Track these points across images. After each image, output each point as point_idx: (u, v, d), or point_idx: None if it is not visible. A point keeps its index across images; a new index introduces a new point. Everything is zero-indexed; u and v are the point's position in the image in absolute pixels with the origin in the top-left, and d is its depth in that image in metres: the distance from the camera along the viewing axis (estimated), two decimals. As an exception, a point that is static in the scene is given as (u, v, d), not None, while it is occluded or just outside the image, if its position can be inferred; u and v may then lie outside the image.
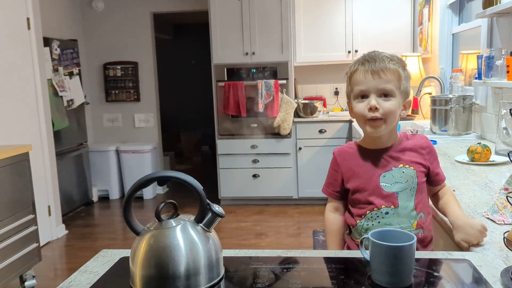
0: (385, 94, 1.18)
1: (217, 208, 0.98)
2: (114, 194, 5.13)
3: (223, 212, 0.98)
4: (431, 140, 1.35)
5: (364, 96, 1.20)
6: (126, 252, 1.13)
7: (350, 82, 1.24)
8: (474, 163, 2.03)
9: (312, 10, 4.54)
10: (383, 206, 1.21)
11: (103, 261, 1.09)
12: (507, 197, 1.05)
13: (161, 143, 5.48)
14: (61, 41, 4.49)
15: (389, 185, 1.21)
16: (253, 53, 4.40)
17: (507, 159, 2.06)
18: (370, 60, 1.19)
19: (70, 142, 4.64)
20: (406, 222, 1.21)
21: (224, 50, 4.44)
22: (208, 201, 0.97)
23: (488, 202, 1.48)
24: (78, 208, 4.78)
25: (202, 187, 0.97)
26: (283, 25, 4.35)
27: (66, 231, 4.08)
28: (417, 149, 1.25)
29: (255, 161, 4.52)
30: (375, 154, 1.25)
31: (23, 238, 2.86)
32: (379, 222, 1.22)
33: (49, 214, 3.84)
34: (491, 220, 1.32)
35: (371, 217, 1.23)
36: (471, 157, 2.05)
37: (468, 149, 2.08)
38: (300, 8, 4.54)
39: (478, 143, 2.09)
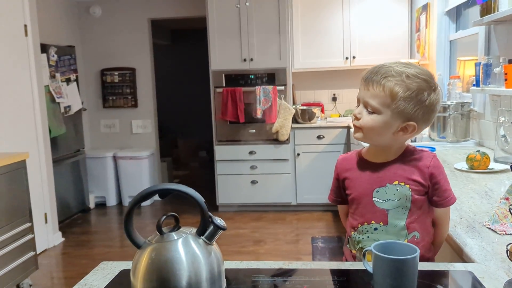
0: (370, 108, 1.15)
1: (218, 220, 0.97)
2: (111, 201, 5.11)
3: (225, 225, 0.97)
4: (429, 148, 1.33)
5: (359, 103, 1.21)
6: (126, 265, 1.12)
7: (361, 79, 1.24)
8: (473, 171, 2.03)
9: (310, 17, 4.55)
10: (372, 222, 1.20)
11: (103, 274, 1.08)
12: (509, 208, 1.05)
13: (159, 149, 5.46)
14: (58, 47, 4.48)
15: (381, 201, 1.19)
16: (251, 60, 4.41)
17: (506, 166, 2.06)
18: (376, 68, 1.16)
19: (67, 148, 4.62)
20: (395, 240, 1.17)
21: (222, 56, 4.44)
22: (210, 213, 0.97)
23: (488, 211, 1.48)
24: (74, 215, 4.75)
25: (203, 200, 0.96)
26: (281, 31, 4.36)
27: (63, 239, 4.06)
28: (420, 167, 1.19)
29: (253, 167, 4.51)
30: (373, 167, 1.22)
31: (20, 246, 2.84)
32: (368, 237, 1.20)
33: (46, 222, 3.82)
34: (492, 230, 1.31)
35: (362, 230, 1.22)
36: (470, 164, 2.05)
37: (467, 157, 2.08)
38: (298, 15, 4.55)
39: (477, 151, 2.09)
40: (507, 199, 1.37)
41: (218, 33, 4.42)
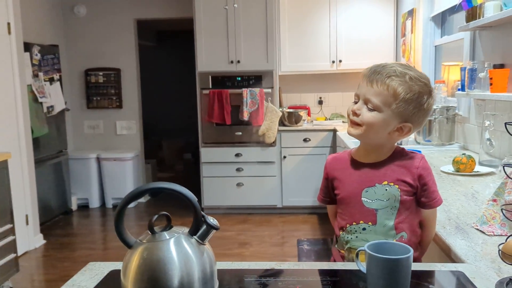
0: (371, 105, 1.15)
1: (211, 220, 0.96)
2: (94, 203, 5.03)
3: (218, 224, 0.96)
4: (416, 150, 1.34)
5: (358, 99, 1.20)
6: (115, 265, 1.09)
7: (361, 76, 1.23)
8: (459, 174, 2.05)
9: (297, 20, 4.57)
10: (361, 222, 1.20)
11: (91, 275, 1.05)
12: (502, 209, 1.06)
13: (143, 150, 5.41)
14: (41, 46, 4.40)
15: (370, 201, 1.19)
16: (238, 61, 4.40)
17: (491, 169, 2.09)
18: (378, 67, 1.16)
19: (49, 149, 4.53)
20: (383, 240, 1.17)
21: (209, 58, 4.43)
22: (202, 213, 0.95)
23: (476, 213, 1.49)
24: (56, 217, 4.66)
25: (196, 199, 0.95)
26: (268, 34, 4.36)
27: (44, 241, 3.97)
28: (409, 168, 1.20)
29: (239, 170, 4.50)
30: (363, 167, 1.23)
31: (1, 248, 2.78)
32: (356, 237, 1.21)
33: (27, 223, 3.74)
34: (481, 231, 1.33)
35: (350, 230, 1.22)
36: (456, 167, 2.08)
37: (453, 160, 2.11)
38: (285, 18, 4.57)
39: (463, 154, 2.12)
40: (494, 200, 1.39)
41: (205, 35, 4.40)
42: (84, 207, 5.03)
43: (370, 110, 1.15)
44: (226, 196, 4.53)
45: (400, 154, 1.24)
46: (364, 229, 1.20)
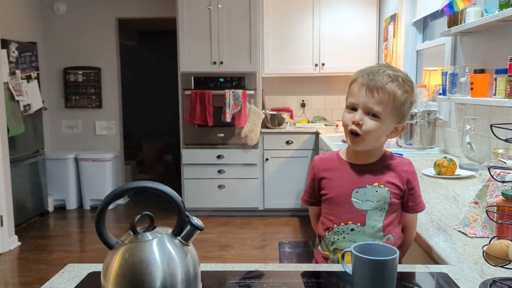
0: (372, 114, 1.15)
1: (196, 220, 0.94)
2: (71, 204, 4.92)
3: (202, 225, 0.94)
4: (397, 154, 1.35)
5: (354, 108, 1.18)
6: (94, 267, 1.06)
7: (350, 87, 1.21)
8: (440, 177, 2.07)
9: (280, 23, 4.58)
10: (349, 222, 1.20)
11: (69, 277, 1.02)
12: (486, 211, 1.06)
13: (123, 151, 5.32)
14: (19, 43, 4.30)
15: (360, 201, 1.19)
16: (221, 63, 4.38)
17: (471, 173, 2.12)
18: (371, 73, 1.16)
19: (25, 149, 4.42)
20: (370, 241, 1.18)
21: (192, 59, 4.39)
22: (187, 213, 0.93)
23: (458, 215, 1.51)
24: (32, 219, 4.54)
25: (180, 198, 0.92)
26: (252, 35, 4.35)
27: (19, 243, 3.87)
28: (398, 171, 1.22)
29: (220, 172, 4.47)
30: (353, 168, 1.23)
31: (-27, 250, 2.68)
32: (344, 238, 1.20)
33: (1, 225, 3.63)
34: (463, 233, 1.34)
35: (337, 231, 1.21)
36: (438, 170, 2.10)
37: (434, 163, 2.13)
38: (269, 20, 4.57)
39: (444, 157, 2.14)
40: (476, 203, 1.40)
41: (188, 35, 4.36)
42: (60, 208, 4.92)
43: (372, 119, 1.15)
44: (208, 198, 4.49)
45: (389, 158, 1.25)
46: (352, 229, 1.19)
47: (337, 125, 4.42)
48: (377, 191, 1.20)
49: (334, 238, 1.21)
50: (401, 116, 1.18)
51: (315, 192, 1.29)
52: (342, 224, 1.20)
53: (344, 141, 3.05)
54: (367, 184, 1.20)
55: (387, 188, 1.20)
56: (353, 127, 1.16)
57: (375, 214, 1.19)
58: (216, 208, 4.53)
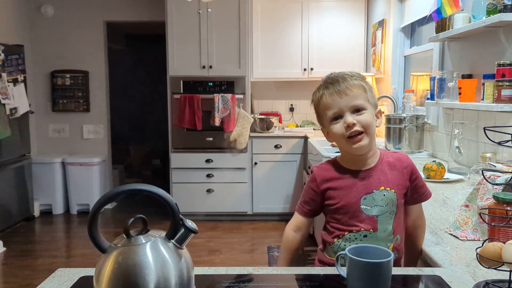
0: (357, 109, 1.18)
1: (190, 223, 0.93)
2: (58, 209, 4.85)
3: (197, 228, 0.93)
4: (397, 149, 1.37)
5: (338, 117, 1.19)
6: (85, 271, 1.04)
7: (319, 109, 1.23)
8: (430, 180, 2.09)
9: (269, 27, 4.59)
10: (362, 229, 1.19)
11: (60, 281, 1.00)
12: (480, 214, 1.07)
13: (111, 156, 5.27)
14: (5, 46, 4.24)
15: (370, 208, 1.19)
16: (210, 67, 4.37)
17: (460, 177, 2.14)
18: (332, 82, 1.20)
19: (11, 152, 4.35)
20: (383, 245, 1.18)
21: (181, 62, 4.38)
22: (181, 216, 0.92)
23: (448, 218, 1.52)
24: (17, 224, 4.46)
25: (174, 201, 0.92)
26: (241, 40, 4.36)
27: (4, 248, 3.79)
28: (399, 169, 1.24)
29: (209, 176, 4.45)
30: (357, 175, 1.22)
31: (-43, 256, 2.62)
32: (356, 244, 1.20)
33: (-14, 230, 3.56)
34: (454, 236, 1.35)
35: (349, 238, 1.20)
36: (427, 174, 2.11)
37: (424, 167, 2.14)
38: (258, 25, 4.58)
39: (433, 161, 2.16)
40: (467, 206, 1.41)
41: (177, 39, 4.35)
42: (47, 213, 4.84)
43: (360, 113, 1.18)
44: (196, 202, 4.46)
45: (386, 156, 1.26)
46: (365, 236, 1.19)
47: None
48: (384, 194, 1.20)
49: (345, 245, 1.19)
50: (375, 101, 1.23)
51: (317, 204, 1.27)
52: (354, 231, 1.20)
53: (334, 145, 3.06)
54: (374, 189, 1.20)
55: (393, 190, 1.21)
56: (354, 128, 1.16)
57: (385, 218, 1.20)
58: (204, 212, 4.50)
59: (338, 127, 1.19)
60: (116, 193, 0.89)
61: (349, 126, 1.16)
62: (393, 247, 1.21)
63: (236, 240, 4.04)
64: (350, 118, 1.16)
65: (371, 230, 1.19)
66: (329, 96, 1.19)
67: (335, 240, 1.22)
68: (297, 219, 1.31)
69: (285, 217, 4.52)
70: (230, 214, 4.54)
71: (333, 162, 1.28)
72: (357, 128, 1.16)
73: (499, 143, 0.87)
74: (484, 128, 0.89)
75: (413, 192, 1.26)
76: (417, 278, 1.05)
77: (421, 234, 1.31)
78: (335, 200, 1.22)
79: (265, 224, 4.47)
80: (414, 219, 1.30)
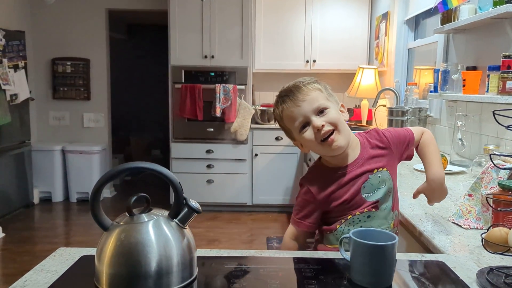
0: (320, 111, 1.17)
1: (193, 203, 0.93)
2: (57, 197, 4.85)
3: (200, 208, 0.93)
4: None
5: (305, 125, 1.18)
6: (86, 251, 1.04)
7: (284, 124, 1.23)
8: (432, 172, 2.08)
9: (272, 18, 4.56)
10: (365, 210, 1.20)
11: (61, 260, 0.99)
12: (486, 198, 1.06)
13: (111, 144, 5.26)
14: (7, 31, 4.21)
15: (371, 194, 1.20)
16: (212, 57, 4.35)
17: (462, 169, 2.13)
18: (287, 93, 1.20)
19: (11, 139, 4.34)
20: (385, 223, 1.21)
21: (183, 52, 4.35)
22: (184, 195, 0.91)
23: (451, 208, 1.51)
24: (16, 210, 4.46)
25: (178, 180, 0.91)
26: (244, 30, 4.33)
27: (3, 234, 3.79)
28: (378, 144, 1.26)
29: (209, 166, 4.44)
30: (346, 169, 1.22)
31: (-44, 240, 2.62)
32: (361, 227, 1.19)
33: (-15, 216, 3.56)
34: (457, 224, 1.34)
35: (353, 221, 1.20)
36: (429, 165, 2.10)
37: (426, 158, 2.13)
38: (261, 15, 4.55)
39: (435, 153, 2.14)
40: (470, 195, 1.41)
41: (179, 28, 4.32)
42: (46, 200, 4.84)
43: (325, 114, 1.17)
44: (196, 192, 4.46)
45: (364, 139, 1.27)
46: (369, 216, 1.20)
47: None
48: (379, 176, 1.22)
49: (348, 229, 1.19)
50: (334, 98, 1.23)
51: (318, 215, 1.24)
52: (357, 213, 1.20)
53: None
54: (369, 175, 1.21)
55: (385, 169, 1.23)
56: (323, 130, 1.15)
57: (386, 197, 1.22)
58: (204, 202, 4.49)
59: (308, 134, 1.17)
60: (119, 171, 0.88)
61: (319, 130, 1.15)
62: (393, 223, 1.24)
63: (235, 230, 4.05)
64: (317, 121, 1.15)
65: (373, 210, 1.21)
66: (290, 108, 1.18)
67: (338, 226, 1.22)
68: (297, 231, 1.28)
69: (284, 209, 4.53)
70: (229, 205, 4.53)
71: (319, 167, 1.27)
72: (327, 128, 1.15)
73: (508, 127, 0.86)
74: (494, 112, 0.88)
75: (405, 148, 1.29)
76: (420, 264, 1.04)
77: (433, 149, 1.33)
78: (337, 201, 1.21)
79: (265, 215, 4.47)
80: (420, 143, 1.33)
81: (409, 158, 1.33)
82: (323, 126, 1.15)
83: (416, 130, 1.34)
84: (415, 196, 1.32)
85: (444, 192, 1.27)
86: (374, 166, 1.22)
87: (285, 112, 1.19)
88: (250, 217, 4.42)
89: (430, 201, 1.30)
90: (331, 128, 1.15)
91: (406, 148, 1.30)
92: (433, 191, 1.27)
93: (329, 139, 1.15)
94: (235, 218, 4.38)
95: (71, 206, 4.76)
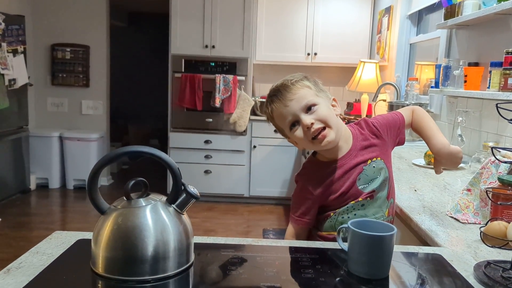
0: (309, 108, 1.15)
1: (192, 189, 0.92)
2: (54, 183, 4.84)
3: (198, 194, 0.92)
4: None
5: (295, 123, 1.16)
6: (82, 235, 1.03)
7: (275, 122, 1.22)
8: (430, 167, 2.08)
9: (274, 10, 4.53)
10: (360, 199, 1.20)
11: (57, 243, 0.99)
12: (486, 192, 1.06)
13: (109, 132, 5.24)
14: (6, 15, 4.18)
15: (367, 185, 1.20)
16: (213, 47, 4.32)
17: (461, 165, 2.13)
18: (276, 93, 1.18)
19: (9, 124, 4.32)
20: (379, 211, 1.22)
21: (183, 41, 4.33)
22: (182, 181, 0.90)
23: (449, 203, 1.51)
24: (13, 196, 4.46)
25: (177, 166, 0.90)
26: (245, 21, 4.30)
27: (-1, 219, 3.80)
28: (369, 134, 1.25)
29: (208, 157, 4.43)
30: (342, 162, 1.22)
31: (-49, 223, 2.61)
32: (355, 215, 1.20)
33: (-19, 200, 3.55)
34: (455, 219, 1.34)
35: (347, 209, 1.20)
36: (428, 160, 2.10)
37: (425, 153, 2.14)
38: (263, 6, 4.52)
39: (435, 148, 2.14)
40: (469, 190, 1.40)
41: (181, 17, 4.29)
42: (43, 187, 4.83)
43: (314, 111, 1.15)
44: (193, 182, 4.39)
45: (356, 130, 1.27)
46: (363, 205, 1.20)
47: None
48: (374, 166, 1.21)
49: (343, 218, 1.19)
50: (325, 93, 1.21)
51: (316, 211, 1.24)
52: (352, 202, 1.20)
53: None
54: (363, 166, 1.21)
55: (379, 158, 1.23)
56: (313, 128, 1.14)
57: (382, 186, 1.22)
58: (201, 193, 4.45)
59: (299, 132, 1.16)
60: (118, 154, 0.87)
61: (308, 128, 1.13)
62: (388, 211, 1.23)
63: (232, 221, 4.05)
64: (306, 119, 1.14)
65: (368, 198, 1.20)
66: (278, 108, 1.17)
67: (332, 214, 1.22)
68: (297, 229, 1.28)
69: (281, 201, 4.53)
70: (227, 195, 4.54)
71: (313, 162, 1.26)
72: (317, 125, 1.14)
73: (510, 121, 0.85)
74: (497, 105, 0.87)
75: (398, 131, 1.28)
76: (417, 256, 1.04)
77: (428, 121, 1.33)
78: (333, 195, 1.21)
79: (262, 207, 4.47)
80: (413, 120, 1.33)
81: (402, 142, 1.32)
82: (312, 124, 1.13)
83: (405, 110, 1.33)
84: (438, 172, 1.31)
85: (453, 156, 1.24)
86: (368, 157, 1.22)
87: (275, 112, 1.18)
88: (247, 208, 4.43)
89: (447, 168, 1.32)
90: (321, 125, 1.14)
91: (398, 132, 1.29)
92: (444, 161, 1.26)
93: (319, 136, 1.14)
94: (232, 209, 4.39)
95: (68, 193, 4.75)
